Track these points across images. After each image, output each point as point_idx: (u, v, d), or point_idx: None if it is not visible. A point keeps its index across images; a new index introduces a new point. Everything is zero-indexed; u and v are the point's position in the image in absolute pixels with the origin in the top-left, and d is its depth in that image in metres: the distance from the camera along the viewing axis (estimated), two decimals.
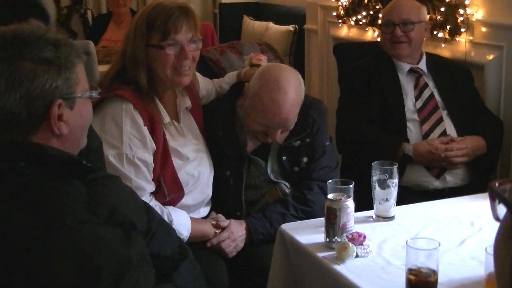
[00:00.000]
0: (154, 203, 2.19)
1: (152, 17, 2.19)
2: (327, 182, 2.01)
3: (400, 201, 2.17)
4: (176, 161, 2.29)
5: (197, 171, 2.35)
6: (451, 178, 2.82)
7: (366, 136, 2.86)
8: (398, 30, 2.92)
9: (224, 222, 2.37)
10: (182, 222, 2.24)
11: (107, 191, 1.39)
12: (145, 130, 2.19)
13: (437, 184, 2.82)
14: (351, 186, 1.98)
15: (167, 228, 1.68)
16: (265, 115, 2.32)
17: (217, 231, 2.35)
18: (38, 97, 1.34)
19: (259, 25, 6.06)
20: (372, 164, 2.09)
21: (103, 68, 4.33)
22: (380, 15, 3.21)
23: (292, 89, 2.33)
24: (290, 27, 5.55)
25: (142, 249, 1.38)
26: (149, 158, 2.19)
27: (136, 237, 1.36)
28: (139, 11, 2.28)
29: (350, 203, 1.93)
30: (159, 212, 2.08)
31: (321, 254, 1.88)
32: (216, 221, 2.37)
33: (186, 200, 2.33)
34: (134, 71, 2.20)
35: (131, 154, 2.15)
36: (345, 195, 1.94)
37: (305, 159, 2.48)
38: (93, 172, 1.41)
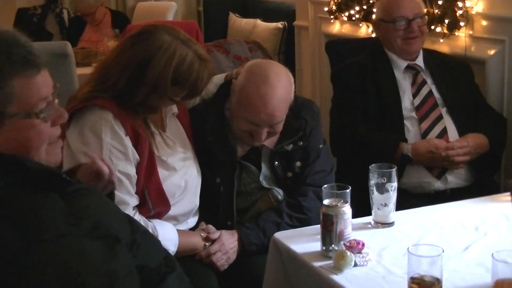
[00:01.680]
0: (138, 217, 2.16)
1: (179, 74, 2.15)
2: (322, 187, 2.00)
3: (400, 205, 2.16)
4: (162, 172, 2.26)
5: (183, 181, 2.32)
6: (453, 179, 2.81)
7: (362, 137, 2.85)
8: (415, 25, 2.92)
9: (215, 234, 2.34)
10: (168, 236, 2.21)
11: (87, 203, 1.38)
12: (127, 140, 2.16)
13: (438, 185, 2.81)
14: (347, 191, 1.97)
15: (152, 239, 1.68)
16: (251, 110, 2.29)
17: (206, 244, 2.32)
18: None
19: (246, 22, 6.06)
20: (370, 167, 2.08)
21: (82, 70, 4.33)
22: (374, 10, 3.21)
23: (281, 84, 2.31)
24: (279, 24, 5.55)
25: (128, 262, 1.37)
26: (132, 170, 2.16)
27: (120, 250, 1.35)
28: (161, 57, 2.14)
29: (347, 209, 1.92)
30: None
31: (317, 264, 1.87)
32: (206, 233, 2.35)
33: (173, 211, 2.30)
34: (134, 90, 2.16)
35: (112, 167, 2.12)
36: (342, 201, 1.93)
37: (298, 164, 2.45)
38: (71, 185, 1.40)
